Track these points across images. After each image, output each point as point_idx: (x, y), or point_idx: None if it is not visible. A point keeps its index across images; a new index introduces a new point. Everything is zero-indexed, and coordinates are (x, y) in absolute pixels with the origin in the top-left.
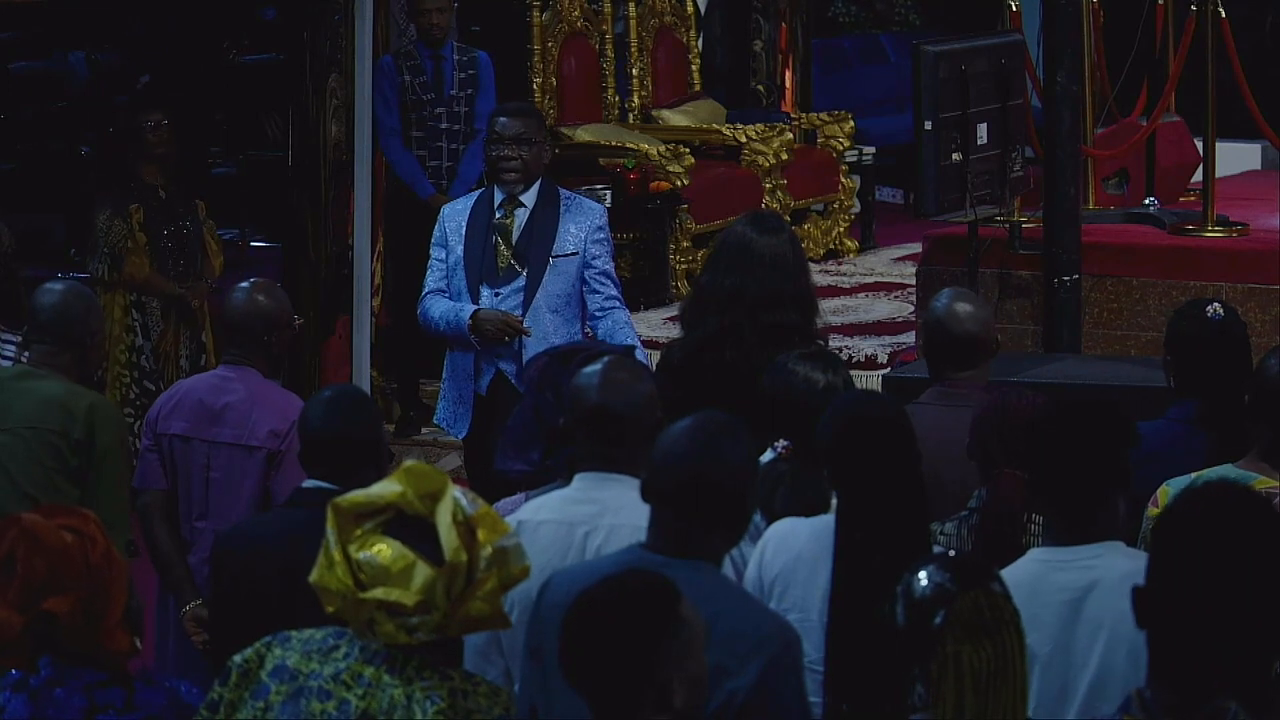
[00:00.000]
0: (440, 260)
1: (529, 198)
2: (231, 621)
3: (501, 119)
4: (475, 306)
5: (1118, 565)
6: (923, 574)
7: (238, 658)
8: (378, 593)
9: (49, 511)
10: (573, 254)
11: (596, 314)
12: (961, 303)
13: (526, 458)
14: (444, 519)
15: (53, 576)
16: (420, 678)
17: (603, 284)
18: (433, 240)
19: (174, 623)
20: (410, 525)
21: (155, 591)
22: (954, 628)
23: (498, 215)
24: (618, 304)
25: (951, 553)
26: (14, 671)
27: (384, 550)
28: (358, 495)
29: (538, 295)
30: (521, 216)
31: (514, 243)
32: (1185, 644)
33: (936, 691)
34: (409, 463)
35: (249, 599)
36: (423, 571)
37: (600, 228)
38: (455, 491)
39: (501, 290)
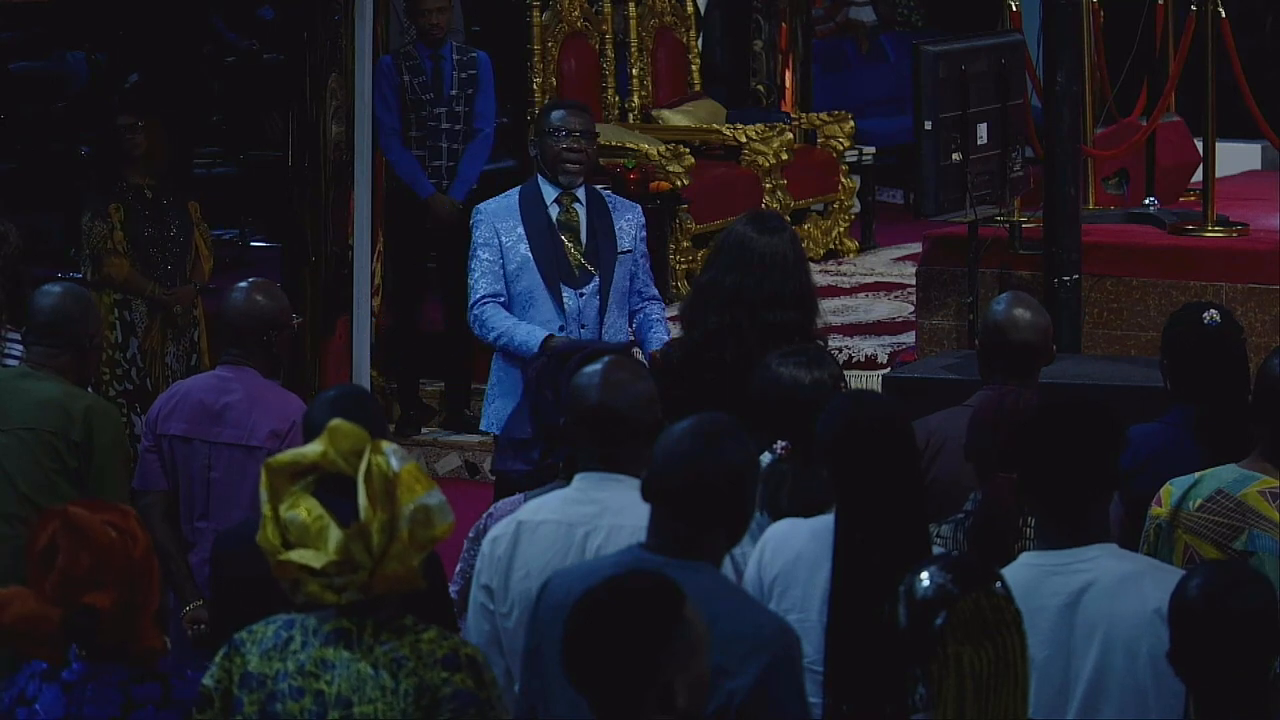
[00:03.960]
0: (492, 261)
1: (581, 194)
2: (231, 621)
3: (562, 113)
4: (545, 334)
5: (1112, 568)
6: (924, 575)
7: (209, 681)
8: (294, 555)
9: (92, 506)
10: (629, 250)
11: (637, 305)
12: (1021, 309)
13: (526, 457)
14: (360, 478)
15: (95, 571)
16: (380, 643)
17: (649, 277)
18: (479, 242)
19: (174, 622)
20: (340, 484)
21: None
22: (955, 629)
23: (556, 211)
24: (656, 296)
25: (954, 554)
26: (38, 662)
27: (305, 510)
28: (286, 455)
29: (610, 293)
30: (580, 213)
31: (583, 241)
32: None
33: (937, 692)
34: (334, 421)
35: (249, 599)
36: (335, 534)
37: (643, 224)
38: (387, 449)
39: (584, 290)
